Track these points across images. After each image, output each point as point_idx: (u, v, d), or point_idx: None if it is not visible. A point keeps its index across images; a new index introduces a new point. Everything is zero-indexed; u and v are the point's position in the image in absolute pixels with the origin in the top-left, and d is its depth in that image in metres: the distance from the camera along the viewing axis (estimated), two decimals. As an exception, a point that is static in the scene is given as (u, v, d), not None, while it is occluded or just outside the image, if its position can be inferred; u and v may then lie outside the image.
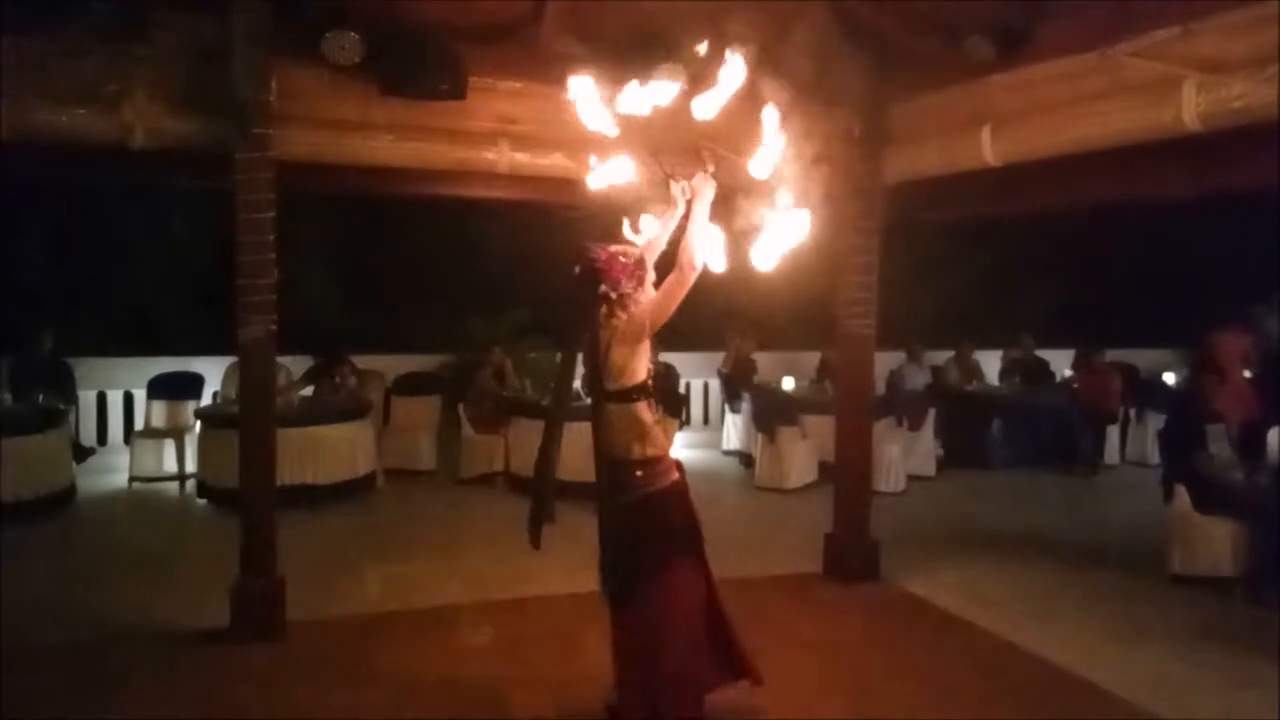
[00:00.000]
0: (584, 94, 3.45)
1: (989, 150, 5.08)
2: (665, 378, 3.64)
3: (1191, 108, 3.99)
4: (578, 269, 3.61)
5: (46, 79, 4.71)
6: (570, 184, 6.02)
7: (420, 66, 4.96)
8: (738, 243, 3.49)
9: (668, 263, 3.58)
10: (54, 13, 4.65)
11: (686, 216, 3.51)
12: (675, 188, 3.59)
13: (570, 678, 4.47)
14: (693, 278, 3.40)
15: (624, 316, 3.57)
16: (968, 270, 13.49)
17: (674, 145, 3.59)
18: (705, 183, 3.47)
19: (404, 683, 4.43)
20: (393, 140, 5.34)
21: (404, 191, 6.50)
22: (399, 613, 5.35)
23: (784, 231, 3.36)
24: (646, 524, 3.61)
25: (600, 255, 3.60)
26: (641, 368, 3.57)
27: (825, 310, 6.16)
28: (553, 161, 5.68)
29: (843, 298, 5.95)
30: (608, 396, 3.58)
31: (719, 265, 3.54)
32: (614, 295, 3.57)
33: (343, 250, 12.27)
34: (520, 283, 11.75)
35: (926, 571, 6.13)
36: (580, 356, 3.74)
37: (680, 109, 3.41)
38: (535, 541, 3.73)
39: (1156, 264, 13.62)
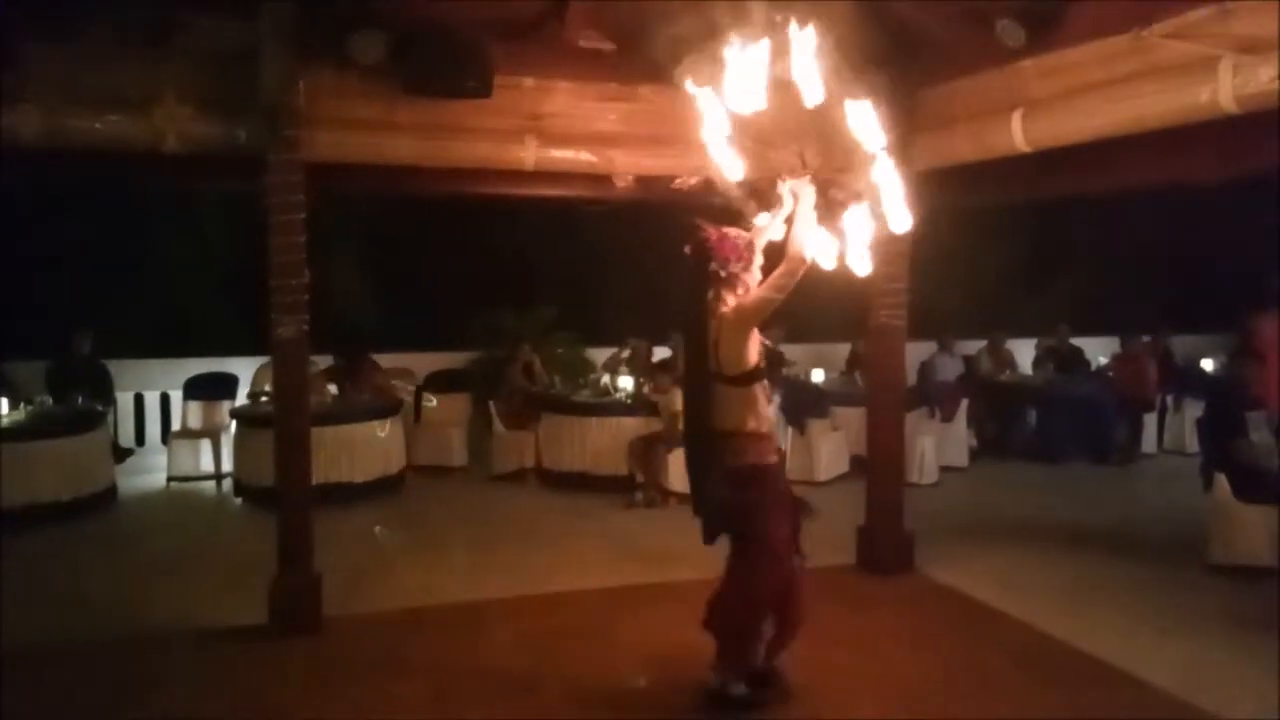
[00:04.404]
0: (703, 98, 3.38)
1: (1020, 135, 5.01)
2: (772, 360, 3.94)
3: (1227, 89, 3.90)
4: (689, 247, 3.82)
5: (77, 85, 4.77)
6: (597, 178, 6.05)
7: (446, 65, 4.97)
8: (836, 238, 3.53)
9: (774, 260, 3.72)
10: (82, 19, 4.71)
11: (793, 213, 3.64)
12: (782, 186, 3.70)
13: (605, 671, 4.48)
14: (800, 271, 3.56)
15: (731, 303, 3.78)
16: (999, 258, 13.30)
17: (778, 141, 3.61)
18: (804, 185, 3.58)
19: (441, 676, 4.46)
20: (420, 139, 5.35)
21: (432, 190, 6.53)
22: (434, 607, 5.39)
23: (872, 228, 3.37)
24: (744, 493, 3.82)
25: (712, 234, 3.80)
26: (754, 354, 3.78)
27: (855, 301, 6.11)
28: (581, 157, 5.68)
29: (873, 288, 5.89)
30: (724, 380, 3.80)
31: (828, 263, 3.59)
32: (723, 274, 3.78)
33: (373, 249, 12.34)
34: (549, 279, 11.78)
35: (961, 563, 6.08)
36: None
37: (783, 106, 3.35)
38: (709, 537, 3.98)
39: (1193, 248, 13.38)
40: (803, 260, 3.53)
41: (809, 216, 3.56)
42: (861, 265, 3.46)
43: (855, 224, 3.42)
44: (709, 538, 3.95)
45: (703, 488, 3.92)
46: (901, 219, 3.35)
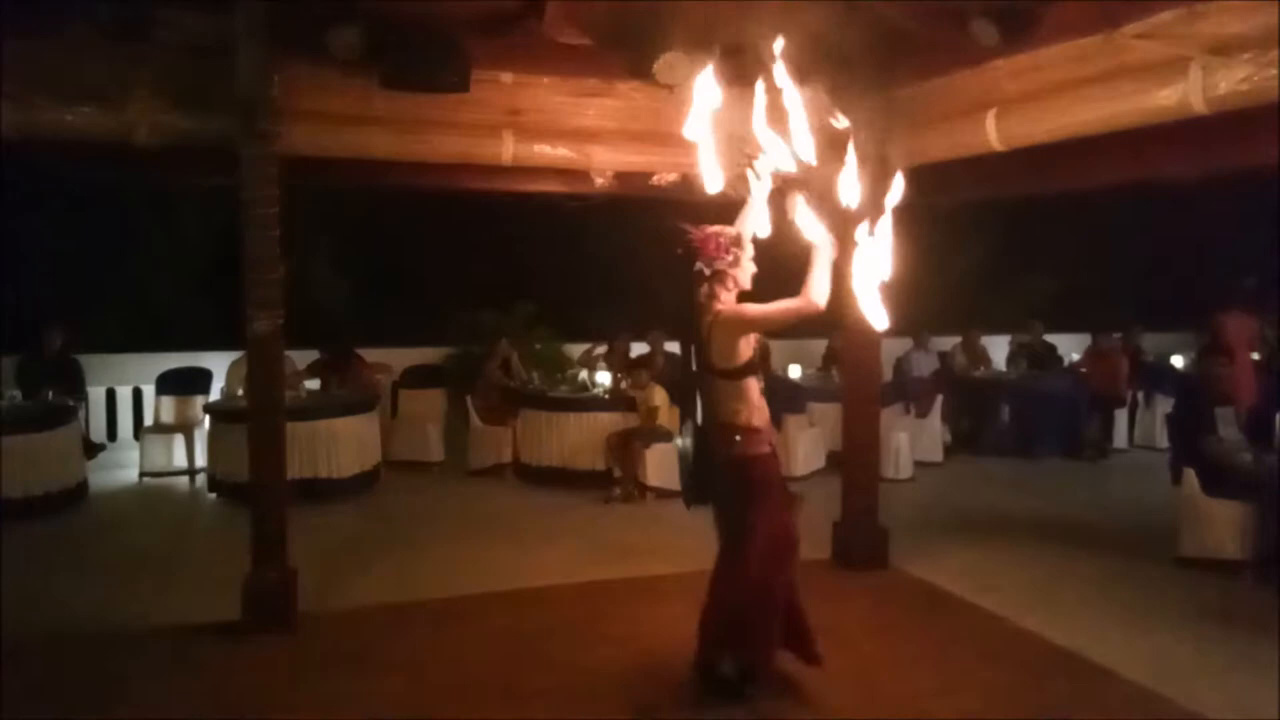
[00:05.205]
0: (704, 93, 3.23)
1: (994, 135, 5.07)
2: (764, 353, 4.04)
3: (1198, 89, 3.97)
4: (680, 250, 3.93)
5: (51, 78, 4.72)
6: (575, 174, 6.04)
7: (423, 59, 4.95)
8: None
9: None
10: (57, 12, 4.66)
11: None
12: (751, 175, 3.70)
13: (583, 666, 4.49)
14: (809, 313, 3.68)
15: (724, 299, 3.89)
16: (973, 255, 13.43)
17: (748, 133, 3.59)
18: (827, 242, 3.59)
19: (417, 672, 4.45)
20: (397, 133, 5.34)
21: (409, 184, 6.51)
22: (410, 604, 5.37)
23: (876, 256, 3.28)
24: (739, 484, 3.93)
25: (695, 234, 3.91)
26: (747, 350, 3.90)
27: (831, 297, 6.13)
28: (559, 152, 5.67)
29: (849, 285, 5.93)
30: (717, 374, 3.92)
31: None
32: (708, 272, 3.89)
33: (348, 243, 12.27)
34: (528, 275, 11.76)
35: (935, 558, 6.13)
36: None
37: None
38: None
39: (1164, 246, 13.55)
40: (816, 306, 3.64)
41: (827, 268, 3.60)
42: (878, 318, 3.21)
43: (864, 267, 3.26)
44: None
45: (706, 477, 4.04)
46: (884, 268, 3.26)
